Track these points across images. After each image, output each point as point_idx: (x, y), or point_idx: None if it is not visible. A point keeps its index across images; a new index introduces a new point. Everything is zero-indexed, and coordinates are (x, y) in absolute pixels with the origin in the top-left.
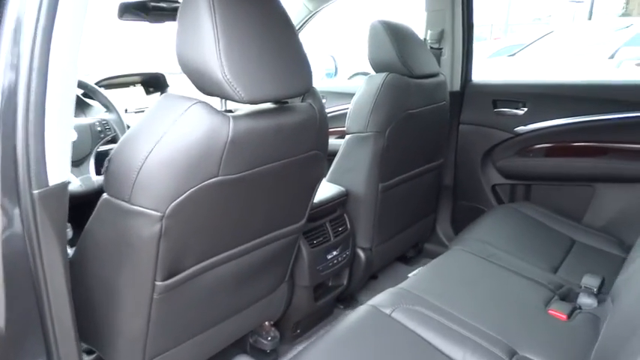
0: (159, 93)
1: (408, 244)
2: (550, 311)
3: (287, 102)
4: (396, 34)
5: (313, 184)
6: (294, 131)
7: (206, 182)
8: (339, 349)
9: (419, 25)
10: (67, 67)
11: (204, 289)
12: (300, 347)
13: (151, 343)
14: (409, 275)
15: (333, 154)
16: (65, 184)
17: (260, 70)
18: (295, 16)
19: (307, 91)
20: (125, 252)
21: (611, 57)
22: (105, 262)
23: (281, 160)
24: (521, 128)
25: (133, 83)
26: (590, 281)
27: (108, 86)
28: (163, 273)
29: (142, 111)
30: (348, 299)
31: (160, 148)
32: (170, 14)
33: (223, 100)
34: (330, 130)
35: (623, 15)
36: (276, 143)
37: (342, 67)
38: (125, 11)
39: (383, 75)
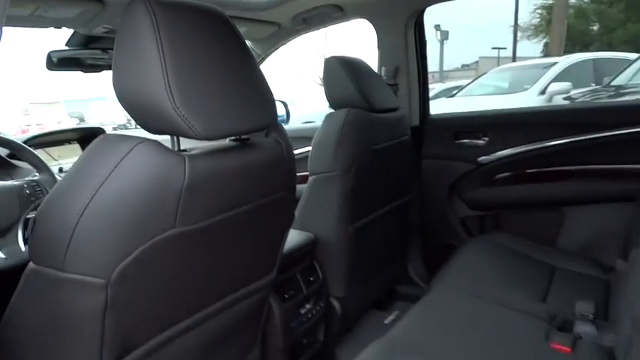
0: None
1: (382, 288)
2: (552, 345)
3: (248, 138)
4: (353, 69)
5: (283, 229)
6: (260, 171)
7: (161, 236)
8: None
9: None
10: None
11: None
12: None
13: None
14: (385, 322)
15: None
16: None
17: (217, 100)
18: None
19: (272, 124)
20: (60, 332)
21: (542, 92)
22: (34, 347)
23: (246, 204)
24: (484, 158)
25: (68, 140)
26: (584, 308)
27: (38, 145)
28: (112, 353)
29: None
30: (325, 357)
31: (99, 199)
32: (108, 65)
33: (174, 139)
34: None
35: (545, 56)
36: (241, 185)
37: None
38: (54, 63)
39: (344, 111)
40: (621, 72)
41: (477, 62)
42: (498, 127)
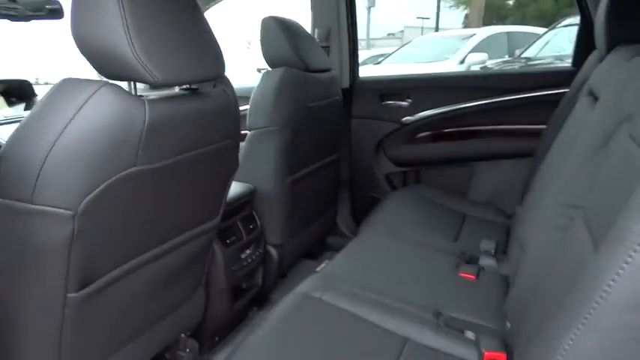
0: (24, 104)
1: (314, 239)
2: (461, 274)
3: (197, 88)
4: (289, 30)
5: (228, 176)
6: (211, 118)
7: (123, 173)
8: (278, 338)
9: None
10: None
11: (120, 299)
12: (219, 356)
13: None
14: (317, 270)
15: None
16: None
17: (172, 49)
18: None
19: (221, 75)
20: (28, 262)
21: (461, 62)
22: (0, 279)
23: (198, 149)
24: (407, 118)
25: None
26: (487, 245)
27: None
28: (77, 282)
29: (8, 122)
30: (261, 300)
31: (67, 135)
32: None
33: (132, 85)
34: None
35: (465, 27)
36: (193, 131)
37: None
38: None
39: (281, 70)
40: (530, 45)
41: (402, 31)
42: (420, 90)
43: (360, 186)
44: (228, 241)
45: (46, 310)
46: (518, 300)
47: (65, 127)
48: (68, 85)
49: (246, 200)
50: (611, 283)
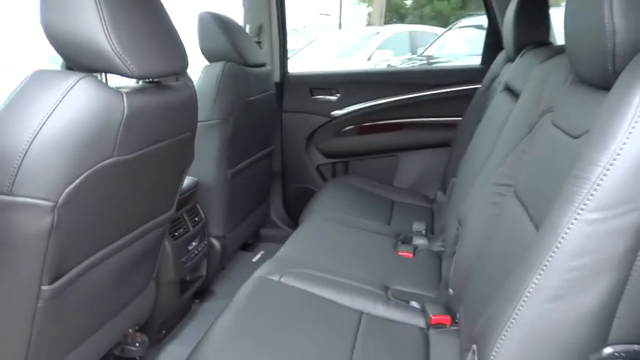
0: None
1: (251, 230)
2: (400, 253)
3: (160, 81)
4: (226, 25)
5: (185, 167)
6: (177, 110)
7: (102, 164)
8: (244, 319)
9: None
10: None
11: (86, 291)
12: (169, 348)
13: None
14: (253, 260)
15: None
16: None
17: (146, 43)
18: None
19: (186, 69)
20: (4, 255)
21: (368, 59)
22: None
23: (166, 140)
24: (336, 112)
25: None
26: (419, 227)
27: None
28: (51, 274)
29: None
30: (203, 292)
31: (49, 127)
32: None
33: (103, 77)
34: None
35: (368, 25)
36: (164, 122)
37: None
38: None
39: (221, 64)
40: (431, 44)
41: (304, 27)
42: (348, 85)
43: (292, 178)
44: (176, 234)
45: (20, 303)
46: (461, 269)
47: (47, 119)
48: (44, 76)
49: (191, 193)
50: (565, 235)
